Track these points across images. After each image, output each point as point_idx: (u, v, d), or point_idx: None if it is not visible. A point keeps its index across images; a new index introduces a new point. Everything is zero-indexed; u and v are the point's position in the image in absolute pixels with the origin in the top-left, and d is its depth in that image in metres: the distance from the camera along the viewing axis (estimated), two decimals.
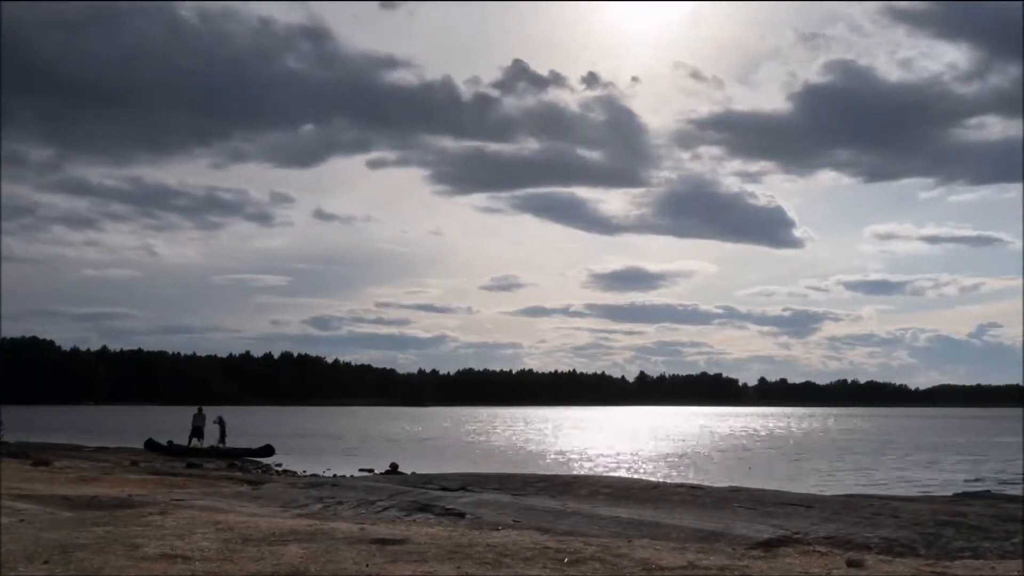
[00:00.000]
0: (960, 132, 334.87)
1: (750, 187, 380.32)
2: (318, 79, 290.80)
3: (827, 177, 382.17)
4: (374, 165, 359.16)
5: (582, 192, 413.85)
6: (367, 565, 9.18)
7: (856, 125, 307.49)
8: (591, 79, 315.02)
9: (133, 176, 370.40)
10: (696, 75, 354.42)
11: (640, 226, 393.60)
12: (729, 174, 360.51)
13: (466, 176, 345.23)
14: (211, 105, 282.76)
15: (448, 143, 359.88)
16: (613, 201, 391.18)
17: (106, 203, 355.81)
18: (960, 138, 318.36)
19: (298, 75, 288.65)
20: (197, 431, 46.64)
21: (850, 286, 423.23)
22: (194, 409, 48.58)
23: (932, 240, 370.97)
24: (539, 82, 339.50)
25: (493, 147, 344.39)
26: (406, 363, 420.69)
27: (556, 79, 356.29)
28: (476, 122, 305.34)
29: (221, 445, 45.86)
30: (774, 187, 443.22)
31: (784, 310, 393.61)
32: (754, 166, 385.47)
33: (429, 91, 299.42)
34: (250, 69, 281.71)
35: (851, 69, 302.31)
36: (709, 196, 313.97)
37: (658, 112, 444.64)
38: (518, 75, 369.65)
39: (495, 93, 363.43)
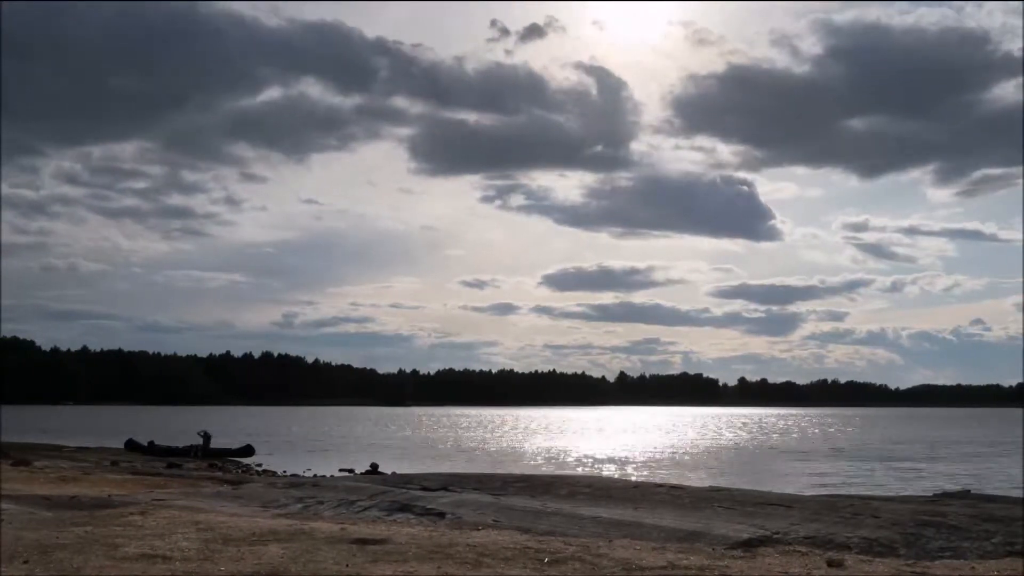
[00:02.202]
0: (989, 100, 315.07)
1: (732, 175, 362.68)
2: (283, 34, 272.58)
3: (810, 167, 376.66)
4: (347, 139, 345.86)
5: (564, 178, 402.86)
6: (347, 565, 9.18)
7: (873, 92, 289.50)
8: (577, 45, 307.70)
9: (82, 153, 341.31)
10: (689, 36, 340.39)
11: (621, 221, 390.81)
12: (710, 158, 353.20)
13: (446, 155, 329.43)
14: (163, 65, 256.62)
15: (427, 111, 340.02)
16: (596, 190, 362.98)
17: (55, 185, 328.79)
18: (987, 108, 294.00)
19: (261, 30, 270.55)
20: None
21: (835, 283, 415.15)
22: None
23: (920, 234, 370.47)
24: (523, 39, 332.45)
25: (474, 118, 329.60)
26: (384, 361, 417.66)
27: (537, 36, 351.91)
28: (457, 89, 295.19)
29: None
30: (757, 175, 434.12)
31: (765, 312, 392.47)
32: (739, 150, 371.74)
33: (402, 50, 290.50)
34: (205, 21, 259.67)
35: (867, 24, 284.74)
36: (693, 189, 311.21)
37: (646, 85, 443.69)
38: (499, 37, 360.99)
39: (475, 57, 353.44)
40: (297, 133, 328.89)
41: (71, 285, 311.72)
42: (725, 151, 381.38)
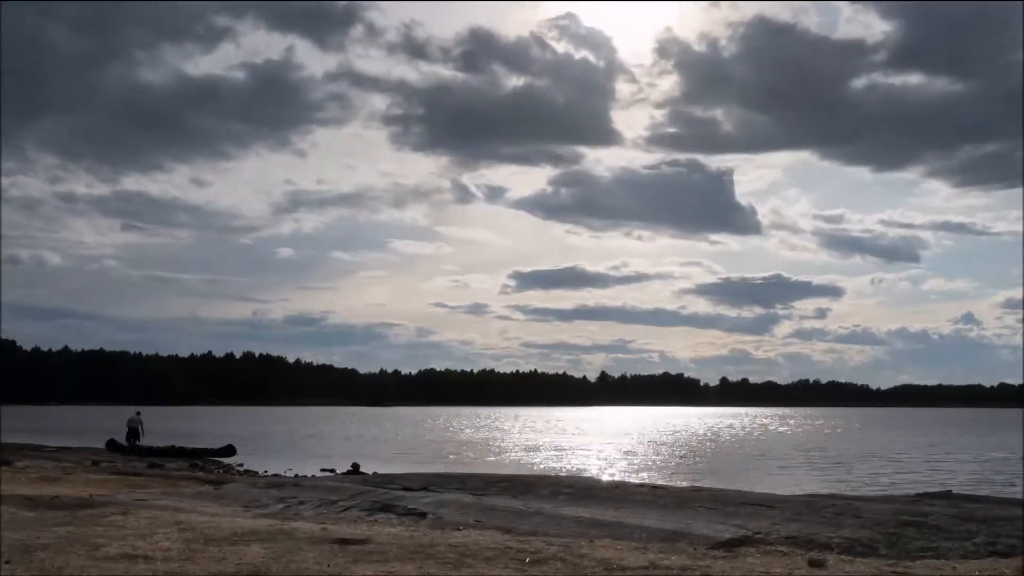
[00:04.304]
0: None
1: (713, 167, 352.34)
2: None
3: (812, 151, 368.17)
4: (315, 109, 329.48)
5: (548, 167, 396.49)
6: (329, 565, 9.17)
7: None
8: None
9: (27, 130, 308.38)
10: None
11: (598, 214, 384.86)
12: (699, 134, 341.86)
13: (425, 131, 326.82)
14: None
15: (405, 78, 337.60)
16: (576, 181, 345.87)
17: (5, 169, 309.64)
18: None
19: None
20: (133, 432, 46.53)
21: (818, 281, 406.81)
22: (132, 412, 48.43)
23: (907, 228, 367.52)
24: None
25: (454, 87, 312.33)
26: (365, 361, 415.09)
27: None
28: (435, 54, 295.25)
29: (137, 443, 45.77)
30: (740, 161, 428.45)
31: (747, 310, 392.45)
32: (731, 129, 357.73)
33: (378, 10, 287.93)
34: None
35: None
36: (681, 185, 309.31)
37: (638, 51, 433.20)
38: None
39: (457, 20, 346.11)
40: (266, 101, 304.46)
41: (40, 280, 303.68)
42: (715, 128, 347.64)
